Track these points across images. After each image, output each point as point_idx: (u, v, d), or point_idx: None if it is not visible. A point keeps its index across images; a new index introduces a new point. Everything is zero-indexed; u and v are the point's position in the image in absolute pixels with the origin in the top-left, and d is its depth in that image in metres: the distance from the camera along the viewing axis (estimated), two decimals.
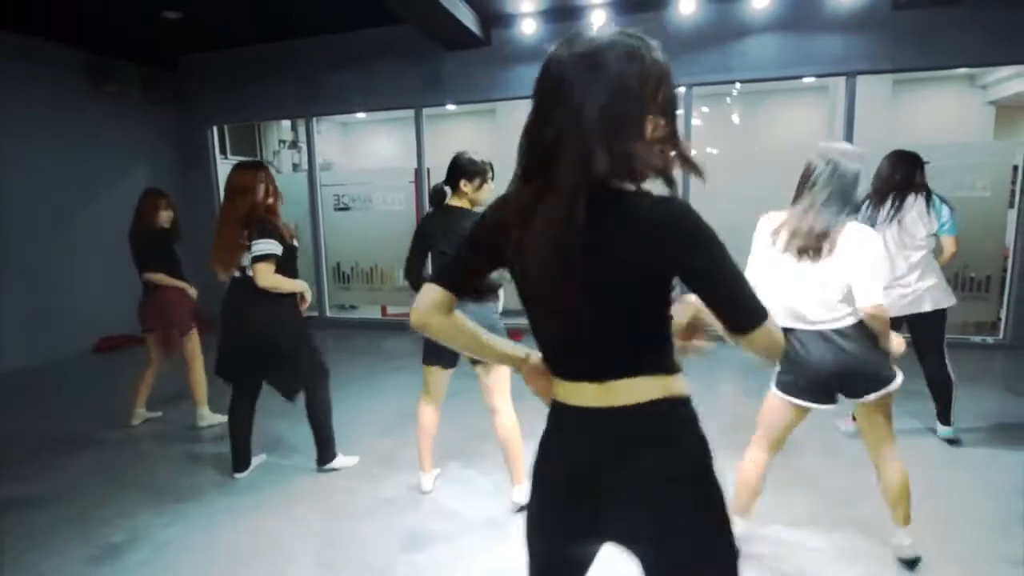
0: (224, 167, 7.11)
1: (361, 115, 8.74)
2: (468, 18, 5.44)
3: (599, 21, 5.56)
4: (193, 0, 5.22)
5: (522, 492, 2.60)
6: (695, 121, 9.38)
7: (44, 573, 2.29)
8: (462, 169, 2.60)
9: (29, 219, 5.57)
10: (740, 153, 7.12)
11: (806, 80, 6.67)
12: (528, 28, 5.77)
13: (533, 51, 5.96)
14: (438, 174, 6.74)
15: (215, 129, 7.32)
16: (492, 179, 2.67)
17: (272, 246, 2.75)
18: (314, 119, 7.03)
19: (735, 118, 9.43)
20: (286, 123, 8.95)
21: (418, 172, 6.61)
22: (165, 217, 3.74)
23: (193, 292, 3.81)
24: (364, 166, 9.62)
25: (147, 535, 2.56)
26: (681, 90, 5.56)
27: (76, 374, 5.38)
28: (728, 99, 9.57)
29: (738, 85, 7.60)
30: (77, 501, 2.89)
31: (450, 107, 7.64)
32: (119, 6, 5.18)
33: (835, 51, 5.28)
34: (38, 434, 3.83)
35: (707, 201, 6.21)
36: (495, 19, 5.87)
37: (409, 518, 2.64)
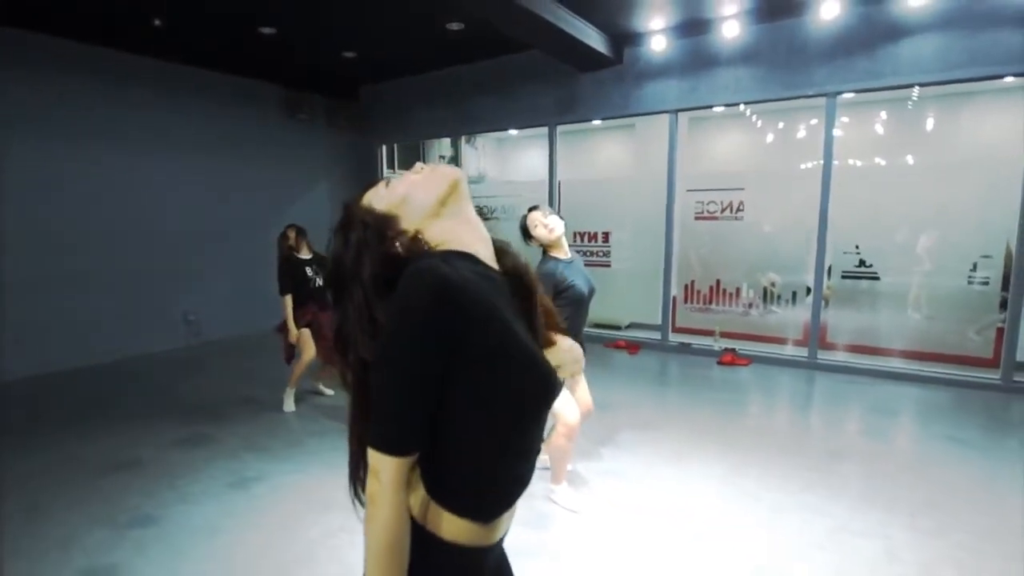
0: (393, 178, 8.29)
1: (513, 131, 9.38)
2: (597, 40, 5.68)
3: (731, 33, 5.45)
4: (365, 42, 6.18)
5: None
6: (878, 128, 8.59)
7: (193, 493, 3.06)
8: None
9: (238, 220, 7.02)
10: (928, 164, 6.35)
11: (1008, 80, 5.77)
12: (658, 45, 5.84)
13: (664, 67, 6.02)
14: (573, 186, 7.13)
15: (384, 147, 8.45)
16: (534, 223, 2.85)
17: None
18: (468, 137, 7.79)
19: (929, 123, 8.41)
20: (447, 140, 9.92)
21: (550, 185, 6.99)
22: (298, 245, 4.33)
23: (292, 330, 4.20)
24: (514, 178, 10.26)
25: (272, 475, 3.24)
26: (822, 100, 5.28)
27: (264, 347, 6.63)
28: (910, 104, 8.54)
29: (916, 89, 6.80)
30: (236, 444, 3.72)
31: (596, 122, 7.92)
32: (308, 50, 6.31)
33: (1016, 47, 4.59)
34: (226, 394, 4.89)
35: (885, 218, 5.67)
36: (625, 38, 6.03)
37: None
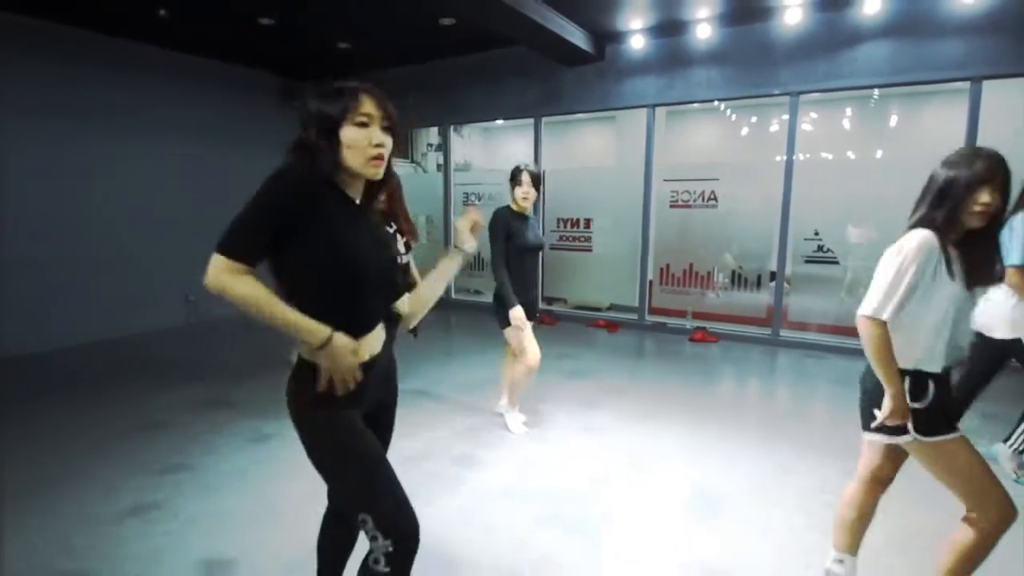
0: None
1: (499, 121, 9.72)
2: (579, 38, 6.06)
3: (704, 35, 5.87)
4: (359, 34, 6.48)
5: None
6: (841, 124, 9.10)
7: (219, 446, 3.43)
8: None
9: (234, 205, 7.29)
10: (885, 157, 6.87)
11: (955, 84, 6.29)
12: (637, 44, 6.24)
13: (642, 64, 6.43)
14: (557, 176, 7.52)
15: None
16: (520, 183, 3.31)
17: None
18: (455, 126, 8.14)
19: (886, 121, 8.97)
20: (434, 129, 10.22)
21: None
22: None
23: None
24: (500, 167, 10.62)
25: (287, 432, 3.61)
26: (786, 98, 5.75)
27: (257, 326, 6.94)
28: (872, 102, 9.09)
29: (876, 90, 7.32)
30: (252, 407, 4.08)
31: (578, 115, 8.30)
32: (304, 40, 6.59)
33: (956, 55, 5.08)
34: (232, 366, 5.24)
35: (845, 207, 6.21)
36: (607, 36, 6.42)
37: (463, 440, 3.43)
